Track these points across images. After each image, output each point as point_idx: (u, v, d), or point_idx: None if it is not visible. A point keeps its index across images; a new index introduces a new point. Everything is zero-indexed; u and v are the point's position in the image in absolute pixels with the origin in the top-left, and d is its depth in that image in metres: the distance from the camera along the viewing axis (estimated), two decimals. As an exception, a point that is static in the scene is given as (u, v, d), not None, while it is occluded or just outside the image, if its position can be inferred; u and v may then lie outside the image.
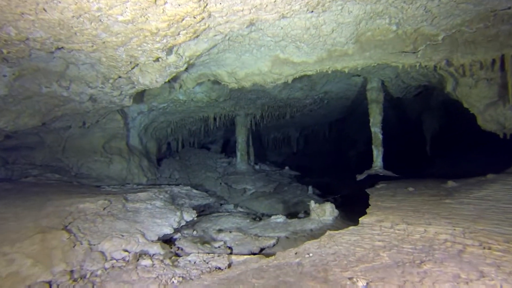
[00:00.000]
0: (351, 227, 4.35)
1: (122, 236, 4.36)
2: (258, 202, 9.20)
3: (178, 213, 5.39)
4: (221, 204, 8.71)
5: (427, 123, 13.04)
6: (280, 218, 6.50)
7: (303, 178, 16.42)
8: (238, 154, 10.76)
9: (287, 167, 11.86)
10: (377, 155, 8.55)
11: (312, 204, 6.58)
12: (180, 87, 7.27)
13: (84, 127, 7.56)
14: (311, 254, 3.58)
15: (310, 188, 10.15)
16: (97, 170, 7.91)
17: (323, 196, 11.77)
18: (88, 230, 4.37)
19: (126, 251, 4.15)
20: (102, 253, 3.99)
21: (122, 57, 4.73)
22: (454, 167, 15.28)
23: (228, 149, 14.14)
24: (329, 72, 7.23)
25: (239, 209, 8.38)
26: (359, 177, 8.68)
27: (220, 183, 9.92)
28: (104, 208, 4.99)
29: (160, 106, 8.62)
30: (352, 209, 9.28)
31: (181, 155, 11.32)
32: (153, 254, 4.25)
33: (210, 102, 9.12)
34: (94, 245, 4.10)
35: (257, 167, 11.60)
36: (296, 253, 3.67)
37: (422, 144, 18.13)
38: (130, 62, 4.94)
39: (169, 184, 7.77)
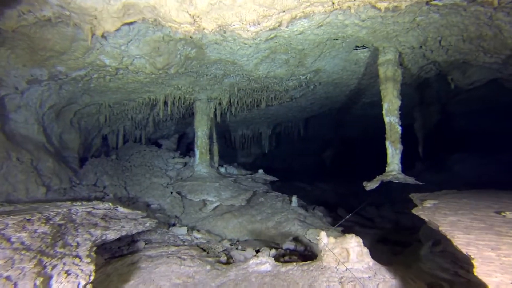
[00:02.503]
0: None
1: None
2: (224, 221, 6.15)
3: None
4: (168, 227, 5.55)
5: (420, 120, 10.64)
6: (265, 263, 3.50)
7: (281, 182, 13.57)
8: (197, 152, 7.64)
9: (260, 170, 8.89)
10: (394, 154, 5.82)
11: (323, 238, 3.64)
12: (97, 36, 4.06)
13: None
14: None
15: (294, 198, 7.25)
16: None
17: (306, 207, 8.94)
18: None
19: None
20: None
21: None
22: (441, 172, 13.20)
23: (185, 146, 10.93)
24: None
25: (195, 234, 5.28)
26: (369, 185, 5.89)
27: (171, 193, 6.74)
28: None
29: (74, 75, 5.31)
30: (384, 242, 6.48)
31: (120, 154, 7.99)
32: None
33: (156, 74, 5.93)
34: None
35: (222, 170, 8.52)
36: None
37: (411, 144, 15.93)
38: None
39: (74, 200, 4.50)
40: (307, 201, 12.02)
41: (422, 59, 6.54)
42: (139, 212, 4.47)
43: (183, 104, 7.89)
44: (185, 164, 8.03)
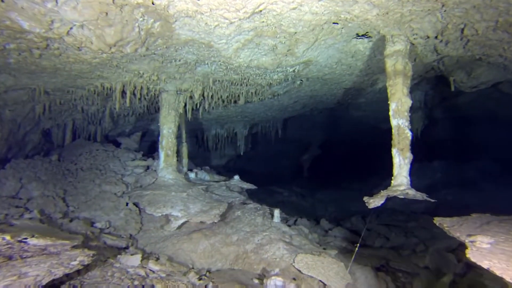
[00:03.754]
0: None
1: None
2: (192, 243, 4.76)
3: None
4: (117, 253, 4.09)
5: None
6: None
7: (257, 186, 12.27)
8: (162, 154, 6.19)
9: (236, 177, 7.55)
10: (402, 165, 4.68)
11: None
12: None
13: None
14: None
15: (276, 213, 5.98)
16: None
17: (287, 220, 7.70)
18: None
19: None
20: None
21: None
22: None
23: (149, 145, 9.38)
24: None
25: (151, 266, 3.87)
26: (373, 202, 4.71)
27: (126, 204, 5.25)
28: None
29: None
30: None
31: (64, 153, 6.37)
32: None
33: (108, 54, 4.45)
34: None
35: (192, 175, 7.09)
36: None
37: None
38: None
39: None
40: (285, 209, 10.85)
41: (432, 54, 5.48)
42: (67, 241, 3.01)
43: (147, 96, 6.40)
44: (147, 167, 6.54)
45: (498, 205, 9.46)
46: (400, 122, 4.77)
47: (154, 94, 6.38)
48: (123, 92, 5.78)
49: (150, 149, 8.97)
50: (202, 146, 12.89)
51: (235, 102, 7.81)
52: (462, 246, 6.00)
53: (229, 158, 13.54)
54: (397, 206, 10.20)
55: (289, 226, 6.22)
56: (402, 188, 4.63)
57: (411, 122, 9.55)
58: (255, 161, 15.26)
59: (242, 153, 12.08)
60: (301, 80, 7.34)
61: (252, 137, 13.38)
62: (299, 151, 15.43)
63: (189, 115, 7.44)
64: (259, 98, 7.79)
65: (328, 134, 14.82)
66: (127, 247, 4.39)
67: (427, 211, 9.16)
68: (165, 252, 4.57)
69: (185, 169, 7.13)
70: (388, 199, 11.34)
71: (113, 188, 5.32)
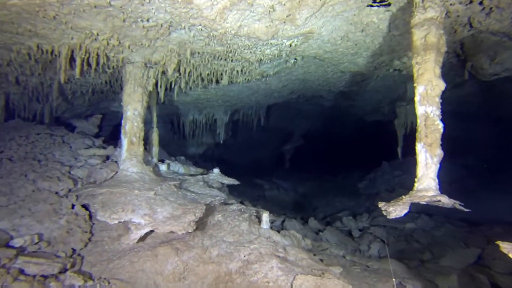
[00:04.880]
0: None
1: None
2: (157, 262, 3.47)
3: None
4: (46, 281, 2.74)
5: (403, 117, 8.77)
6: None
7: (236, 177, 11.00)
8: (125, 141, 4.80)
9: (216, 170, 6.27)
10: (430, 164, 3.56)
11: None
12: None
13: None
14: None
15: (265, 217, 4.77)
16: None
17: (273, 223, 6.56)
18: None
19: None
20: None
21: None
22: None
23: (112, 129, 7.83)
24: None
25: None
26: (394, 211, 3.56)
27: (72, 208, 3.85)
28: None
29: None
30: None
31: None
32: None
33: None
34: None
35: (163, 167, 5.72)
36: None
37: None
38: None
39: None
40: (267, 204, 9.72)
41: (462, 29, 4.38)
42: None
43: (108, 67, 4.94)
44: (107, 158, 5.13)
45: (487, 206, 8.81)
46: (429, 110, 3.63)
47: (117, 65, 4.93)
48: (73, 60, 4.31)
49: (113, 134, 7.46)
50: (178, 133, 11.46)
51: (217, 82, 6.46)
52: (482, 260, 5.11)
53: (207, 147, 12.19)
54: (384, 201, 9.33)
55: (278, 232, 5.05)
56: (430, 193, 3.52)
57: (409, 115, 8.60)
58: (234, 150, 14.00)
59: (221, 142, 10.77)
60: (295, 59, 6.10)
61: (233, 124, 12.08)
62: (281, 140, 14.30)
63: (161, 95, 6.03)
64: (246, 79, 6.48)
65: (311, 124, 13.76)
66: (64, 270, 3.04)
67: (418, 208, 8.29)
68: (120, 276, 3.27)
69: (154, 160, 5.76)
70: (376, 193, 10.24)
71: (54, 185, 3.90)
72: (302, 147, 14.10)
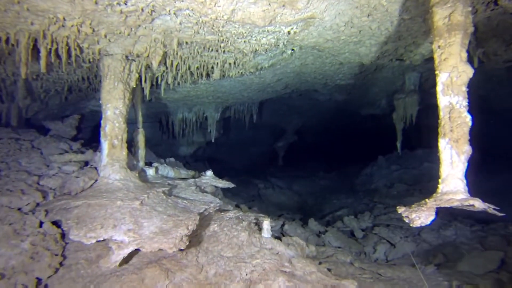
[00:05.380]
0: None
1: None
2: (144, 287, 2.88)
3: None
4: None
5: (401, 110, 8.30)
6: None
7: (230, 177, 10.38)
8: (105, 145, 4.15)
9: (209, 172, 5.66)
10: (456, 162, 3.02)
11: None
12: None
13: None
14: None
15: (266, 224, 4.20)
16: None
17: (274, 229, 6.01)
18: None
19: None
20: None
21: None
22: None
23: (91, 131, 7.10)
24: None
25: None
26: (418, 219, 3.02)
27: (40, 226, 3.20)
28: None
29: None
30: None
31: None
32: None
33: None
34: None
35: (150, 172, 5.07)
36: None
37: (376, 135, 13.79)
38: None
39: None
40: (262, 205, 9.17)
41: (486, 8, 3.86)
42: None
43: (81, 60, 4.27)
44: (86, 163, 4.46)
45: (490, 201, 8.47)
46: (454, 100, 3.09)
47: (94, 58, 4.26)
48: (38, 51, 3.63)
49: (95, 137, 6.75)
50: (167, 133, 10.78)
51: (207, 76, 5.84)
52: (505, 265, 4.65)
53: (198, 146, 11.53)
54: (383, 198, 8.89)
55: (280, 239, 4.50)
56: (459, 196, 3.00)
57: (408, 107, 8.12)
58: (226, 148, 13.38)
59: (213, 140, 10.14)
60: (293, 50, 5.52)
61: (224, 122, 11.47)
62: (274, 137, 13.75)
63: (146, 92, 5.37)
64: (239, 72, 5.87)
65: (305, 120, 13.24)
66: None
67: (422, 206, 7.85)
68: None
69: (140, 164, 5.11)
70: (374, 189, 9.68)
71: (16, 199, 3.23)
72: (295, 143, 13.58)
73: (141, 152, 5.15)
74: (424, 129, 11.77)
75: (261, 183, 10.98)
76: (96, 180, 3.98)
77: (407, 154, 10.92)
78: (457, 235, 5.53)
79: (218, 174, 11.96)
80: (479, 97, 8.79)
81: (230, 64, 5.47)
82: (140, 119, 5.33)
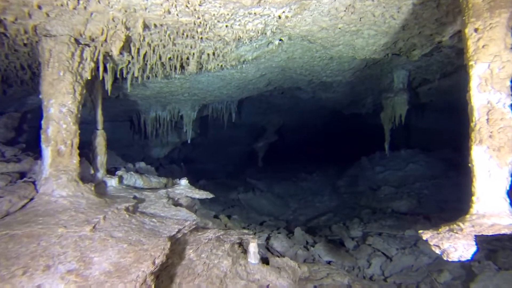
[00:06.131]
0: None
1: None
2: None
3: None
4: None
5: (390, 110, 7.72)
6: None
7: (206, 180, 9.40)
8: (47, 151, 3.15)
9: (183, 182, 4.72)
10: (495, 174, 2.34)
11: None
12: None
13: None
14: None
15: (252, 247, 3.36)
16: None
17: (261, 247, 5.17)
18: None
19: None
20: None
21: None
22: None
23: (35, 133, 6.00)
24: None
25: None
26: (454, 250, 2.31)
27: None
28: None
29: None
30: None
31: None
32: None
33: None
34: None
35: (111, 183, 4.08)
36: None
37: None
38: None
39: None
40: (243, 211, 8.33)
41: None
42: None
43: (10, 40, 3.23)
44: (22, 175, 3.43)
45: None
46: (494, 98, 2.38)
47: (30, 39, 3.23)
48: None
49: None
50: (139, 133, 9.66)
51: (182, 68, 4.90)
52: None
53: (173, 147, 10.49)
54: (370, 201, 8.29)
55: (267, 261, 3.68)
56: (506, 221, 2.30)
57: (397, 107, 7.52)
58: (203, 149, 12.40)
59: (189, 141, 9.16)
60: (281, 40, 4.69)
61: (201, 121, 10.50)
62: (254, 137, 12.92)
63: (108, 87, 4.35)
64: (218, 65, 4.96)
65: (286, 119, 12.51)
66: None
67: (411, 209, 7.32)
68: None
69: (100, 173, 4.11)
70: (359, 192, 8.96)
71: None
72: (276, 143, 12.82)
73: (101, 159, 4.15)
74: (407, 129, 11.40)
75: (241, 186, 10.12)
76: (32, 199, 2.97)
77: (389, 154, 10.42)
78: (458, 247, 4.94)
79: (195, 176, 11.00)
80: None
81: (208, 55, 4.57)
82: (99, 118, 4.31)
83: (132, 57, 4.00)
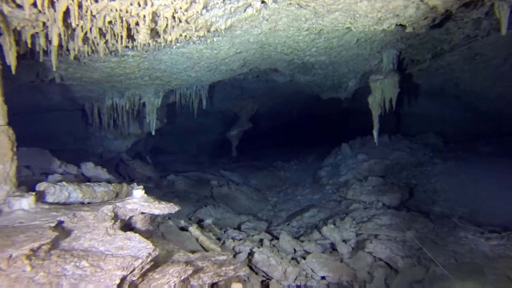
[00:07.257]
0: None
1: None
2: None
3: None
4: None
5: (379, 93, 6.71)
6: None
7: (175, 175, 7.97)
8: None
9: (137, 193, 3.37)
10: None
11: None
12: None
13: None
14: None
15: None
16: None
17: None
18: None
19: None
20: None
21: None
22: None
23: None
24: None
25: None
26: None
27: None
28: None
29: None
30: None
31: None
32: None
33: None
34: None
35: (23, 204, 2.68)
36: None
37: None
38: None
39: None
40: (219, 210, 7.10)
41: None
42: None
43: None
44: None
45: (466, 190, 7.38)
46: None
47: None
48: None
49: None
50: (93, 123, 8.01)
51: (130, 38, 3.46)
52: None
53: (136, 139, 8.94)
54: (357, 195, 7.38)
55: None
56: None
57: (386, 90, 6.53)
58: (172, 139, 10.92)
59: (153, 132, 7.68)
60: (264, 2, 3.41)
61: (168, 108, 9.01)
62: (227, 125, 11.60)
63: (12, 62, 2.85)
64: (182, 36, 3.58)
65: (260, 105, 11.29)
66: None
67: (403, 202, 6.47)
68: None
69: (5, 190, 2.70)
70: (344, 182, 7.92)
71: None
72: (250, 131, 11.60)
73: (5, 168, 2.71)
74: (392, 114, 10.59)
75: (214, 179, 8.83)
76: None
77: (371, 141, 9.58)
78: (472, 253, 4.09)
79: (164, 168, 9.51)
80: None
81: (166, 19, 3.18)
82: (3, 110, 2.83)
83: (40, 11, 2.55)
